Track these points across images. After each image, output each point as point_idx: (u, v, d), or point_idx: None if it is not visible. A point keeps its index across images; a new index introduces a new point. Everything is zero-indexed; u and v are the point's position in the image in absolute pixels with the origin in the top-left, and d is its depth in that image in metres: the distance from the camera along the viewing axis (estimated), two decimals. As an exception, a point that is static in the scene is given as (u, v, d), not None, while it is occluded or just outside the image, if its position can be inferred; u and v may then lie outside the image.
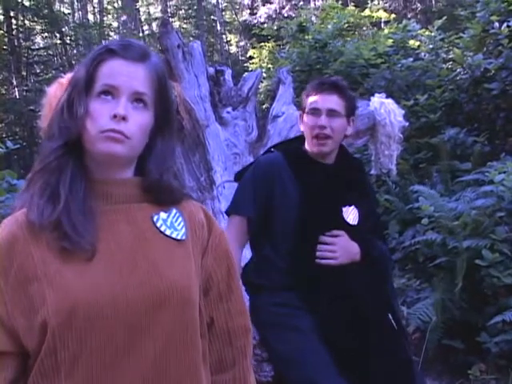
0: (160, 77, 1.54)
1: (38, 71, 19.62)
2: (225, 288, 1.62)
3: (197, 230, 1.58)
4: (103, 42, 19.46)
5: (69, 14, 23.04)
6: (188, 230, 1.55)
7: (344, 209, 2.80)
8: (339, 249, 2.71)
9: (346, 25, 12.03)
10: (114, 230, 1.46)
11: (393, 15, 14.38)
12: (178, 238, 1.52)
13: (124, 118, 1.44)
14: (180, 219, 1.56)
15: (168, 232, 1.51)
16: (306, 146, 2.89)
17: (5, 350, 1.39)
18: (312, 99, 2.84)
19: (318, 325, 2.61)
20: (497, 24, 7.58)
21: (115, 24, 26.41)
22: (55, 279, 1.36)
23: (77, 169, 1.47)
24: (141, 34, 24.80)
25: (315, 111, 2.81)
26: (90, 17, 25.91)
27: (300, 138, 3.00)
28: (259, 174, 2.84)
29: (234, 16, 24.77)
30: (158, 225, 1.51)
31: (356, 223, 2.81)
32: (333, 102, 2.81)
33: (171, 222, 1.54)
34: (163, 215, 1.54)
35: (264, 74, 10.81)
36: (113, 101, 1.46)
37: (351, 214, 2.80)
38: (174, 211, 1.56)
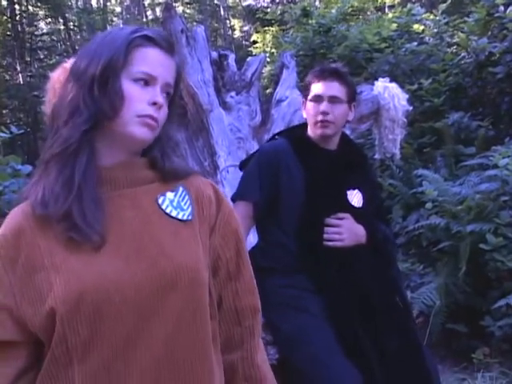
0: (181, 70, 1.60)
1: (41, 57, 19.60)
2: (234, 267, 1.62)
3: (204, 208, 1.58)
4: (107, 27, 19.44)
5: (72, -1, 22.98)
6: (194, 208, 1.55)
7: (348, 192, 2.85)
8: (345, 231, 2.75)
9: (350, 9, 11.99)
10: (120, 216, 1.46)
11: (397, -1, 14.31)
12: (184, 218, 1.52)
13: (161, 107, 1.49)
14: (187, 198, 1.56)
15: (174, 213, 1.51)
16: (309, 133, 2.95)
17: (15, 340, 1.40)
18: (314, 87, 2.91)
19: (326, 307, 2.64)
20: (502, 8, 7.54)
21: (118, 9, 26.34)
22: (62, 268, 1.37)
23: (92, 154, 1.46)
24: (144, 19, 24.72)
25: (318, 98, 2.88)
26: (94, 2, 25.82)
27: (303, 126, 3.05)
28: (264, 160, 2.88)
29: (237, 0, 24.66)
30: (164, 207, 1.51)
31: (361, 206, 2.85)
32: (334, 88, 2.87)
33: (178, 202, 1.54)
34: (170, 195, 1.54)
35: (268, 59, 10.77)
36: (149, 88, 1.49)
37: (355, 197, 2.86)
38: (181, 189, 1.56)
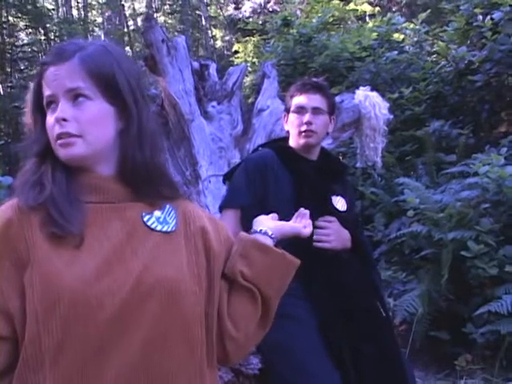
0: (96, 65, 1.49)
1: (22, 67, 19.48)
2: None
3: (191, 225, 1.59)
4: (88, 37, 19.39)
5: (53, 9, 22.84)
6: (180, 223, 1.57)
7: (333, 197, 2.93)
8: (332, 233, 2.80)
9: (331, 18, 12.01)
10: (106, 225, 1.46)
11: (377, 8, 14.36)
12: (168, 230, 1.53)
13: (65, 119, 1.45)
14: (173, 213, 1.57)
15: (159, 227, 1.52)
16: (292, 143, 3.02)
17: (1, 334, 1.38)
18: (297, 99, 3.00)
19: (313, 312, 2.64)
20: (480, 17, 7.60)
21: (100, 20, 26.28)
22: (42, 265, 1.37)
23: (57, 164, 1.49)
24: (125, 30, 24.69)
25: (301, 109, 2.97)
26: (74, 12, 25.72)
27: (283, 139, 3.14)
28: (251, 167, 2.92)
29: (218, 11, 24.68)
30: (149, 223, 1.52)
31: (345, 210, 2.93)
32: (317, 100, 2.98)
33: (164, 218, 1.55)
34: (157, 213, 1.55)
35: (249, 69, 10.81)
36: (56, 108, 1.47)
37: (339, 203, 2.93)
38: (168, 206, 1.58)
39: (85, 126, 1.46)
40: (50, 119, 1.47)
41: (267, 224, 1.76)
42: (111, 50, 1.56)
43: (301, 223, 1.84)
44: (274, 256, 1.67)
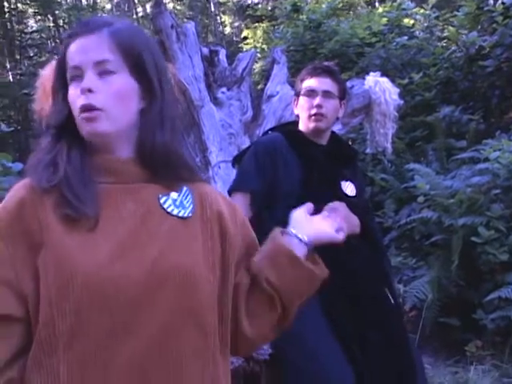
0: (126, 39, 1.47)
1: (31, 54, 19.48)
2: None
3: (208, 210, 1.55)
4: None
5: (61, -4, 22.88)
6: (197, 208, 1.53)
7: (342, 183, 2.90)
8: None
9: (341, 4, 11.97)
10: (120, 207, 1.44)
11: (387, -6, 14.31)
12: (185, 215, 1.50)
13: (90, 90, 1.41)
14: (189, 197, 1.54)
15: (175, 211, 1.49)
16: (302, 127, 3.00)
17: (14, 315, 1.36)
18: (307, 82, 2.98)
19: (320, 299, 2.64)
20: (491, 1, 7.57)
21: (108, 6, 26.24)
22: (56, 247, 1.35)
23: (75, 143, 1.46)
24: (134, 16, 24.65)
25: (311, 93, 2.94)
26: (83, -1, 25.74)
27: (293, 123, 3.11)
28: (261, 150, 2.91)
29: (227, -4, 24.60)
30: (166, 206, 1.49)
31: (354, 195, 2.90)
32: (328, 84, 2.95)
33: (180, 201, 1.51)
34: (174, 195, 1.51)
35: (258, 55, 10.77)
36: (81, 80, 1.43)
37: (348, 188, 2.91)
38: (185, 189, 1.54)
39: (109, 99, 1.43)
40: (75, 91, 1.44)
41: (307, 229, 1.70)
42: (139, 28, 1.56)
43: (333, 225, 1.78)
44: (305, 271, 1.63)
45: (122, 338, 1.34)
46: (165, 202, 1.49)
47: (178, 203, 1.51)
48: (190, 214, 1.51)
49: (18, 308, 1.36)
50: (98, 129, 1.42)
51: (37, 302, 1.35)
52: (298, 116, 3.04)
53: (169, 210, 1.49)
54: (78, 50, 1.44)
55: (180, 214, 1.49)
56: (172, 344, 1.39)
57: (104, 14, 22.79)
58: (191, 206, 1.52)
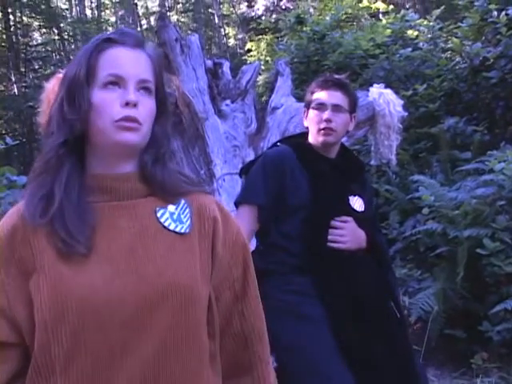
0: (159, 63, 1.54)
1: (36, 67, 19.58)
2: (240, 287, 1.57)
3: (206, 225, 1.52)
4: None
5: (66, 9, 22.98)
6: (195, 223, 1.50)
7: (350, 197, 2.87)
8: (348, 233, 2.77)
9: (344, 16, 12.00)
10: (115, 226, 1.42)
11: (391, 6, 14.33)
12: (182, 231, 1.47)
13: (135, 105, 1.42)
14: (187, 211, 1.51)
15: (172, 226, 1.47)
16: (311, 140, 2.96)
17: (7, 341, 1.37)
18: (317, 95, 2.93)
19: (326, 312, 2.63)
20: (495, 12, 7.56)
21: (113, 19, 26.37)
22: (50, 272, 1.35)
23: (75, 167, 1.45)
24: (139, 29, 24.76)
25: (321, 106, 2.90)
26: (88, 12, 25.87)
27: (302, 135, 3.08)
28: (269, 163, 2.88)
29: (231, 9, 24.69)
30: (163, 220, 1.47)
31: (362, 210, 2.88)
32: (338, 97, 2.90)
33: (178, 215, 1.49)
34: (171, 208, 1.49)
35: (262, 67, 10.80)
36: (120, 90, 1.43)
37: (357, 203, 2.88)
38: (183, 202, 1.52)
39: (147, 116, 1.46)
40: (112, 98, 1.43)
41: None
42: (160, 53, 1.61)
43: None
44: None
45: (120, 358, 1.33)
46: (162, 216, 1.48)
47: (175, 217, 1.49)
48: (188, 230, 1.49)
49: (11, 334, 1.37)
50: (133, 140, 1.43)
51: (31, 327, 1.35)
52: (307, 128, 3.00)
53: (166, 224, 1.47)
54: (125, 61, 1.46)
55: (177, 230, 1.48)
56: (171, 361, 1.38)
57: (109, 27, 22.94)
58: (189, 221, 1.50)
